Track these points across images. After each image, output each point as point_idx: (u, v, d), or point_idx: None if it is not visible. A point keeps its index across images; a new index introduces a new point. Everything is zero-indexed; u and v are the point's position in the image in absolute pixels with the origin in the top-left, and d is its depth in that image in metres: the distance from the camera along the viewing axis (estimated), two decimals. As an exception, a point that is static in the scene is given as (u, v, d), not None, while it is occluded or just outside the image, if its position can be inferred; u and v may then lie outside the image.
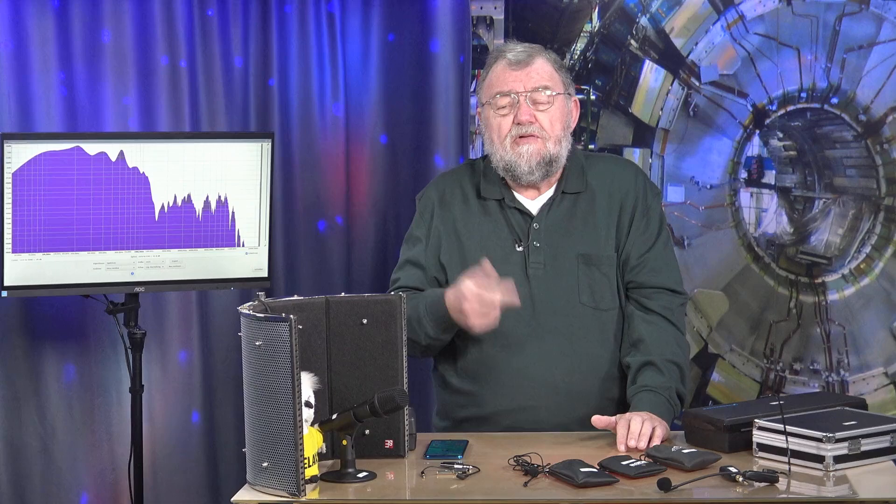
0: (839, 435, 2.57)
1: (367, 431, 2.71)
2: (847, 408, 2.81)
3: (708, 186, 4.27)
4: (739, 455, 2.68)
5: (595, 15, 4.25)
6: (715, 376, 4.30)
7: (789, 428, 2.59)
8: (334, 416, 2.62)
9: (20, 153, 3.44)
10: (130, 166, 3.56)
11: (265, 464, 2.49)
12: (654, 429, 2.79)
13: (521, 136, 3.04)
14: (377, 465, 2.67)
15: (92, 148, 3.52)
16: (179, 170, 3.61)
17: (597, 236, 3.08)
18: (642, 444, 2.76)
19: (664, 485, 2.47)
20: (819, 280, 4.25)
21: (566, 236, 3.07)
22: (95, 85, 3.93)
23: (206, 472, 4.05)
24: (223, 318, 4.04)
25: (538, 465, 2.59)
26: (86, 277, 3.55)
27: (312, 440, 2.54)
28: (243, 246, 3.70)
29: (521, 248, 3.07)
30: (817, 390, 4.22)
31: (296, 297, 2.73)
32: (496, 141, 3.07)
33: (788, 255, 4.27)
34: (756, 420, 2.68)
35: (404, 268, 3.14)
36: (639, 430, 2.78)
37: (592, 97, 4.27)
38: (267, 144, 3.70)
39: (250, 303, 2.60)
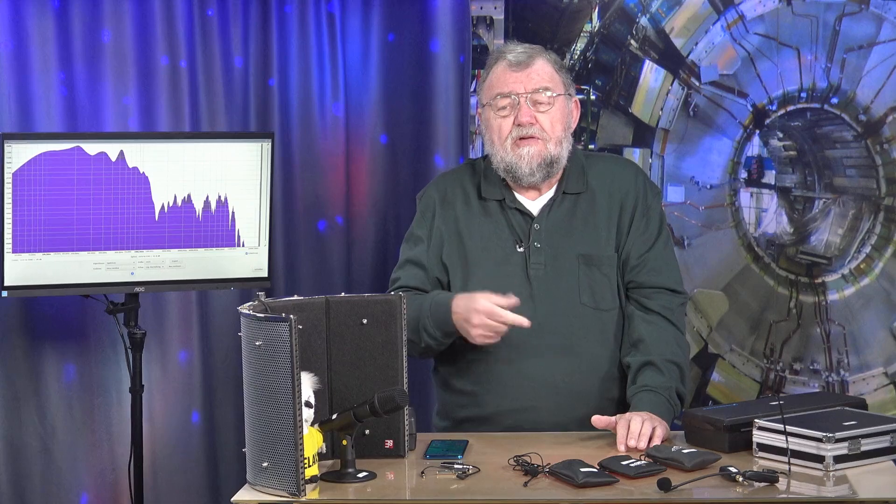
0: (839, 435, 2.57)
1: (367, 431, 2.71)
2: (847, 408, 2.81)
3: (708, 186, 4.27)
4: (739, 455, 2.68)
5: (595, 15, 4.25)
6: (715, 376, 4.30)
7: (789, 428, 2.59)
8: (334, 416, 2.62)
9: (20, 153, 3.44)
10: (130, 166, 3.56)
11: (265, 464, 2.49)
12: (654, 429, 2.79)
13: (521, 138, 3.04)
14: (377, 465, 2.67)
15: (92, 148, 3.52)
16: (179, 170, 3.61)
17: (597, 237, 3.08)
18: (642, 445, 2.75)
19: (664, 485, 2.47)
20: (819, 280, 4.25)
21: (567, 237, 3.07)
22: (95, 85, 3.93)
23: (206, 472, 4.05)
24: (223, 318, 4.04)
25: (538, 465, 2.59)
26: (86, 277, 3.55)
27: (312, 440, 2.54)
28: (243, 246, 3.70)
29: (521, 249, 3.07)
30: (817, 390, 4.22)
31: (296, 297, 2.73)
32: (497, 142, 3.06)
33: (788, 255, 4.27)
34: (756, 420, 2.68)
35: (405, 267, 3.14)
36: (639, 430, 2.78)
37: (592, 97, 4.27)
38: (267, 144, 3.70)
39: (250, 303, 2.60)
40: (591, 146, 4.26)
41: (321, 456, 2.60)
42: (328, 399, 2.72)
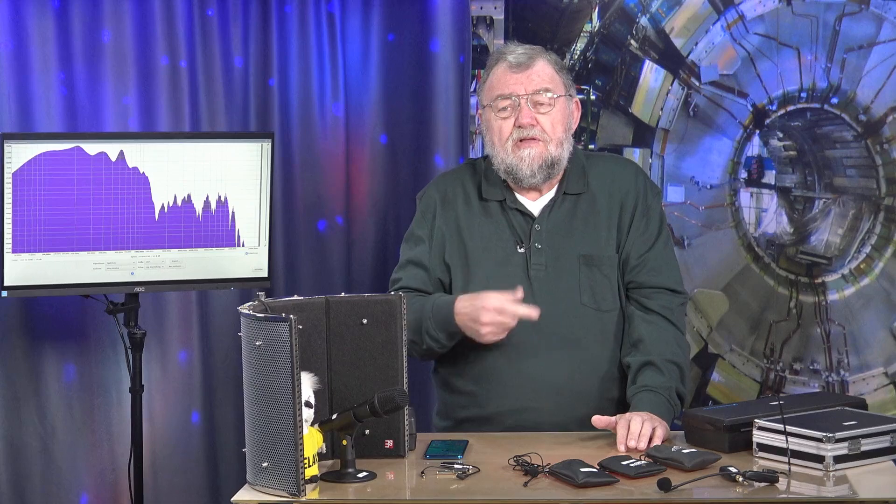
0: (839, 435, 2.57)
1: (367, 431, 2.71)
2: (847, 408, 2.81)
3: (708, 186, 4.27)
4: (739, 455, 2.68)
5: (595, 15, 4.25)
6: (715, 376, 4.30)
7: (789, 428, 2.59)
8: (334, 416, 2.62)
9: (20, 153, 3.44)
10: (130, 166, 3.56)
11: (265, 464, 2.49)
12: (654, 429, 2.79)
13: (522, 140, 3.03)
14: (377, 465, 2.67)
15: (92, 148, 3.52)
16: (179, 170, 3.61)
17: (598, 237, 3.08)
18: (642, 445, 2.75)
19: (664, 485, 2.47)
20: (819, 280, 4.25)
21: (567, 237, 3.07)
22: (95, 85, 3.93)
23: (206, 472, 4.05)
24: (223, 318, 4.04)
25: (538, 465, 2.59)
26: (86, 277, 3.55)
27: (312, 440, 2.54)
28: (243, 246, 3.70)
29: (522, 250, 3.07)
30: (817, 390, 4.22)
31: (296, 297, 2.73)
32: (497, 144, 3.06)
33: (788, 255, 4.27)
34: (756, 420, 2.67)
35: (406, 268, 3.13)
36: (639, 430, 2.78)
37: (592, 97, 4.27)
38: (267, 144, 3.70)
39: (250, 303, 2.60)
40: (591, 146, 4.26)
41: (321, 456, 2.60)
42: (328, 399, 2.72)
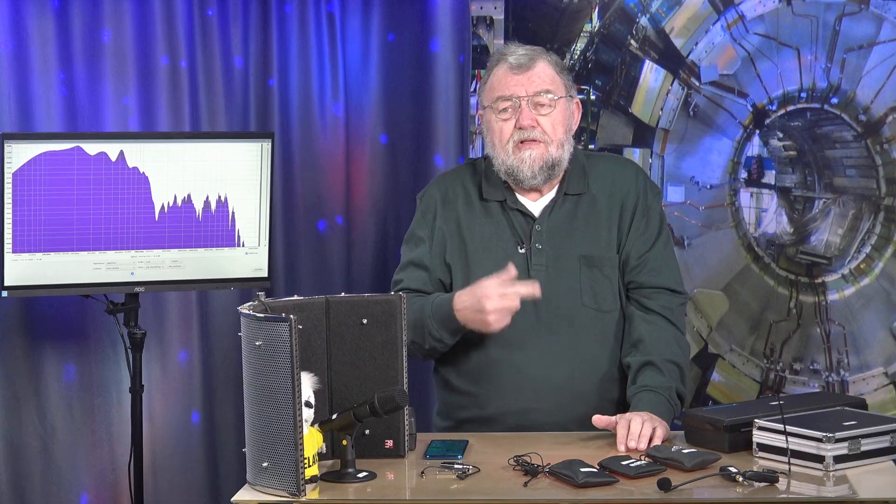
0: (839, 435, 2.57)
1: (367, 431, 2.71)
2: (847, 408, 2.81)
3: (708, 186, 4.27)
4: (739, 455, 2.68)
5: (595, 15, 4.25)
6: (715, 376, 4.30)
7: (789, 428, 2.59)
8: (334, 416, 2.62)
9: (20, 153, 3.44)
10: (130, 166, 3.56)
11: (265, 464, 2.49)
12: (654, 429, 2.79)
13: (522, 142, 3.03)
14: (377, 465, 2.67)
15: (92, 148, 3.52)
16: (179, 170, 3.61)
17: (598, 238, 3.08)
18: (642, 446, 2.75)
19: (664, 485, 2.47)
20: (819, 280, 4.25)
21: (568, 238, 3.07)
22: (95, 85, 3.93)
23: (206, 472, 4.05)
24: (223, 318, 4.04)
25: (538, 465, 2.59)
26: (86, 277, 3.55)
27: (312, 440, 2.54)
28: (243, 246, 3.70)
29: (523, 250, 3.07)
30: (817, 390, 4.22)
31: (296, 297, 2.73)
32: (498, 145, 3.06)
33: (788, 255, 4.27)
34: (756, 420, 2.67)
35: (407, 269, 3.13)
36: (639, 431, 2.77)
37: (592, 97, 4.27)
38: (267, 144, 3.70)
39: (250, 303, 2.60)
40: (591, 146, 4.26)
41: (321, 456, 2.60)
42: (328, 399, 2.72)
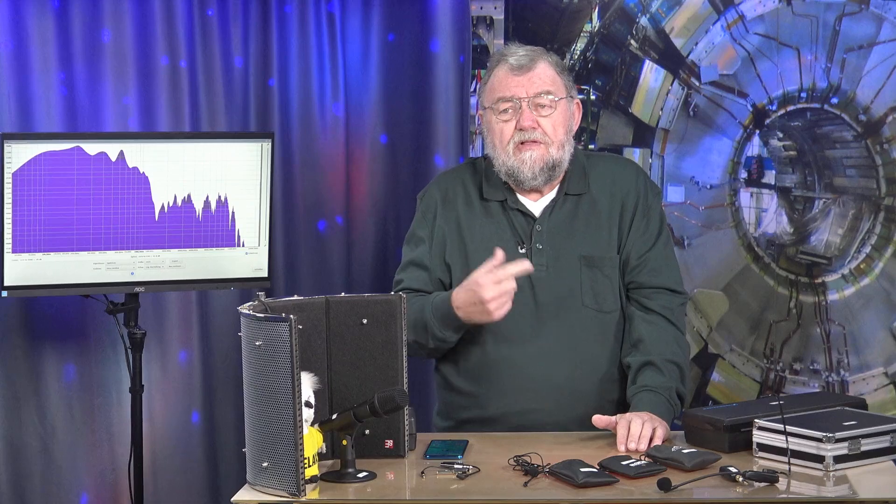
0: (839, 435, 2.57)
1: (367, 431, 2.71)
2: (847, 408, 2.81)
3: (708, 186, 4.27)
4: (739, 455, 2.68)
5: (595, 15, 4.25)
6: (715, 376, 4.30)
7: (789, 428, 2.59)
8: (334, 416, 2.62)
9: (20, 153, 3.44)
10: (130, 166, 3.56)
11: (265, 464, 2.49)
12: (654, 430, 2.79)
13: (523, 143, 3.03)
14: (377, 465, 2.67)
15: (92, 148, 3.52)
16: (179, 170, 3.61)
17: (599, 238, 3.08)
18: (642, 447, 2.75)
19: (664, 485, 2.47)
20: (819, 280, 4.25)
21: (568, 238, 3.07)
22: (95, 85, 3.93)
23: (206, 472, 4.05)
24: (223, 318, 4.04)
25: (538, 465, 2.59)
26: (86, 277, 3.55)
27: (312, 440, 2.54)
28: (243, 246, 3.70)
29: (523, 250, 3.07)
30: (817, 390, 4.22)
31: (296, 297, 2.73)
32: (498, 146, 3.06)
33: (788, 255, 4.27)
34: (756, 420, 2.67)
35: (407, 269, 3.13)
36: (639, 431, 2.77)
37: (592, 97, 4.27)
38: (267, 144, 3.70)
39: (250, 303, 2.60)
40: (591, 146, 4.26)
41: (321, 456, 2.60)
42: (328, 399, 2.72)
